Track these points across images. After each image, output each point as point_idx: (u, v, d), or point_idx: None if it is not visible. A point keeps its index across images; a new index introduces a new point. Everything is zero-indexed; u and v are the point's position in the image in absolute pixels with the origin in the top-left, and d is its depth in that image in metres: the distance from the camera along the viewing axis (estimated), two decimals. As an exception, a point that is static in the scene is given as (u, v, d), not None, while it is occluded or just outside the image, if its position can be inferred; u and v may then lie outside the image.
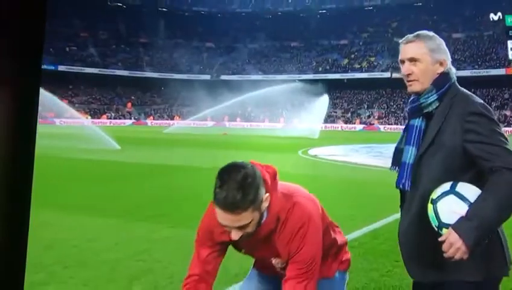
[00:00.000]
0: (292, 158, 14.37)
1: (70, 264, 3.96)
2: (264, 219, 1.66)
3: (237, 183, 1.51)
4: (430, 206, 1.63)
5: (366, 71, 52.51)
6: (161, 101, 54.19)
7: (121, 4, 59.29)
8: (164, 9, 61.41)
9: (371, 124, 48.13)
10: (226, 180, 1.53)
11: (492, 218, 1.55)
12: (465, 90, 1.79)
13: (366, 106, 51.56)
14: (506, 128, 38.10)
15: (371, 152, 17.73)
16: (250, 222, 1.58)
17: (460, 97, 1.74)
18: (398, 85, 47.65)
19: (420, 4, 53.29)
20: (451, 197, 1.60)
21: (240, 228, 1.58)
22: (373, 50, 54.61)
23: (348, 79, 52.81)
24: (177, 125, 38.71)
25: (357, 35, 57.28)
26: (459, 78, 1.80)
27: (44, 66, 46.91)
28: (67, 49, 53.06)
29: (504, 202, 1.55)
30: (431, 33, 1.82)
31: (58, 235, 4.91)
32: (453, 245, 1.53)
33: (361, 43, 56.44)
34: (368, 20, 56.78)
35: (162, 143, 21.41)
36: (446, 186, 1.62)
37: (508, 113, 42.52)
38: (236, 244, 1.78)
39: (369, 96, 52.27)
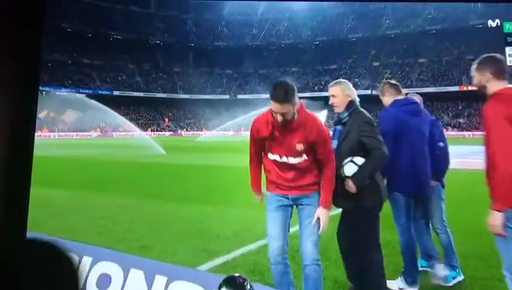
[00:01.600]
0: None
1: (154, 228, 4.71)
2: (296, 117, 2.28)
3: (284, 88, 2.19)
4: (341, 168, 2.50)
5: (351, 89, 52.41)
6: (191, 117, 54.20)
7: (159, 41, 59.64)
8: (192, 45, 61.42)
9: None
10: (279, 87, 2.20)
11: (367, 172, 2.46)
12: (362, 109, 2.62)
13: (351, 117, 51.39)
14: (460, 133, 37.85)
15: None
16: (288, 112, 2.21)
17: (359, 114, 2.57)
18: (376, 101, 47.48)
19: (393, 36, 52.74)
20: (350, 163, 2.48)
21: (282, 114, 2.21)
22: (357, 72, 54.26)
23: (337, 96, 52.62)
24: (205, 135, 39.10)
25: (343, 61, 56.79)
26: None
27: (103, 92, 48.08)
28: (119, 78, 53.52)
29: (374, 165, 2.48)
30: (344, 80, 2.67)
31: (141, 211, 5.74)
32: (349, 185, 2.45)
33: (347, 67, 56.03)
34: (352, 49, 56.39)
35: (195, 149, 21.75)
36: (349, 158, 2.50)
37: (461, 120, 42.25)
38: (271, 144, 2.37)
39: (354, 109, 52.13)
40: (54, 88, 44.76)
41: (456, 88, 44.04)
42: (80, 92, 43.88)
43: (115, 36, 55.20)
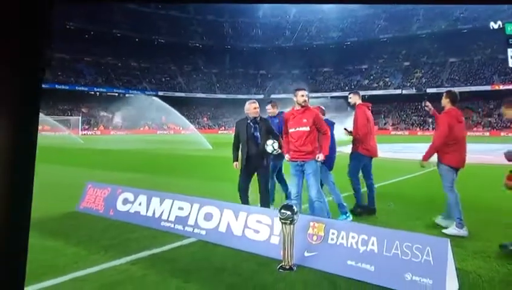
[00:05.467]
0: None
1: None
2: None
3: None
4: (266, 145, 4.72)
5: (382, 89, 52.08)
6: (229, 115, 55.91)
7: (198, 44, 61.77)
8: (228, 47, 63.21)
9: (386, 129, 48.40)
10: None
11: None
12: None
13: (382, 116, 51.00)
14: (491, 132, 37.49)
15: (390, 149, 17.13)
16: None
17: (263, 119, 4.87)
18: (407, 99, 47.40)
19: (424, 36, 52.19)
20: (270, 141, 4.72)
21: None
22: (387, 72, 54.06)
23: (368, 95, 51.78)
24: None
25: (374, 61, 56.74)
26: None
27: (149, 92, 51.00)
28: (163, 79, 56.22)
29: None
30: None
31: (202, 188, 7.51)
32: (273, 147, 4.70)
33: (378, 67, 55.95)
34: (383, 49, 56.23)
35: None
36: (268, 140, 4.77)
37: (492, 120, 41.28)
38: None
39: (385, 108, 51.67)
40: (106, 89, 48.47)
41: (487, 87, 43.10)
42: (129, 93, 47.10)
43: (159, 40, 58.03)
